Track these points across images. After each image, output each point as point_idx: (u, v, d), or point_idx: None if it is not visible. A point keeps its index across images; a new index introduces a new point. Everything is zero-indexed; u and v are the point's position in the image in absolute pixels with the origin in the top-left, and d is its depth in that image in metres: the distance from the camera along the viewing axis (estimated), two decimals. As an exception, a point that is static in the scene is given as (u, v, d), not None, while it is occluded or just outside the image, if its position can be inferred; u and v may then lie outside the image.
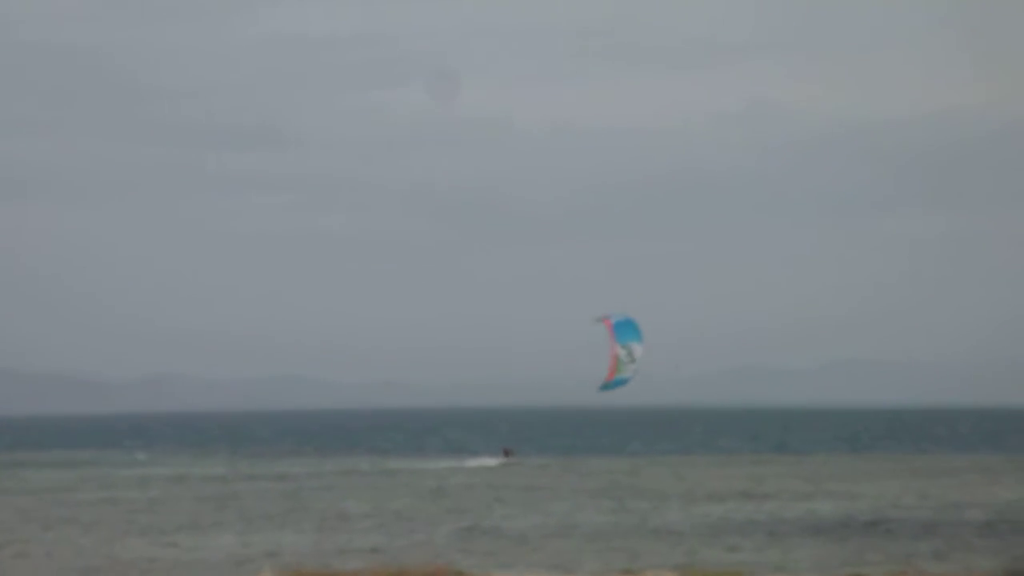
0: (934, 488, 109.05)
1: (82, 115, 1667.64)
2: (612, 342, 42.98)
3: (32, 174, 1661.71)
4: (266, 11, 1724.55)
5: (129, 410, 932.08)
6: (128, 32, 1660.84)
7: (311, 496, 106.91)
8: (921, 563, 59.42)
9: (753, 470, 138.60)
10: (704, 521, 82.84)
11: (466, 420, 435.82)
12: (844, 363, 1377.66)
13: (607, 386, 42.85)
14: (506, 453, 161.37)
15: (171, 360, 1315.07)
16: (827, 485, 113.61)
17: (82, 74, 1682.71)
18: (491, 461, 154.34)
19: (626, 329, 42.69)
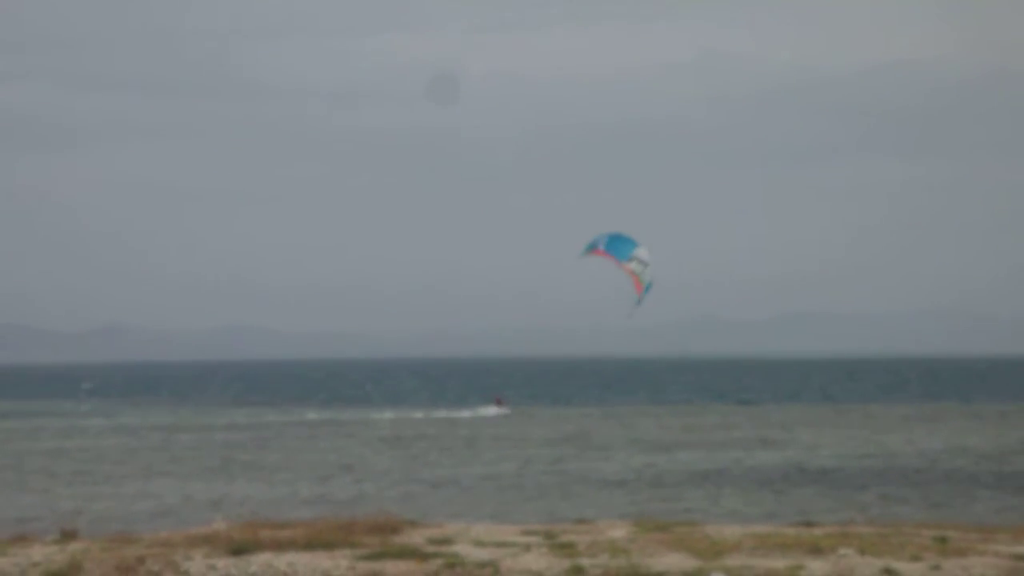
0: (879, 437, 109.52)
1: None
2: (618, 263, 41.38)
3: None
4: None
5: (81, 360, 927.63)
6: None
7: (260, 446, 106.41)
8: (868, 511, 59.47)
9: (702, 420, 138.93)
10: (652, 471, 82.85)
11: (420, 371, 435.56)
12: (798, 315, 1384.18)
13: (640, 301, 41.57)
14: (498, 402, 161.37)
15: (124, 311, 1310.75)
16: (775, 434, 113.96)
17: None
18: (486, 411, 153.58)
19: (619, 244, 41.19)
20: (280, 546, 32.77)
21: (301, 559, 31.97)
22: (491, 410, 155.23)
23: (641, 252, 41.87)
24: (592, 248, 41.99)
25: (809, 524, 38.59)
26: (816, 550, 32.72)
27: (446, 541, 33.72)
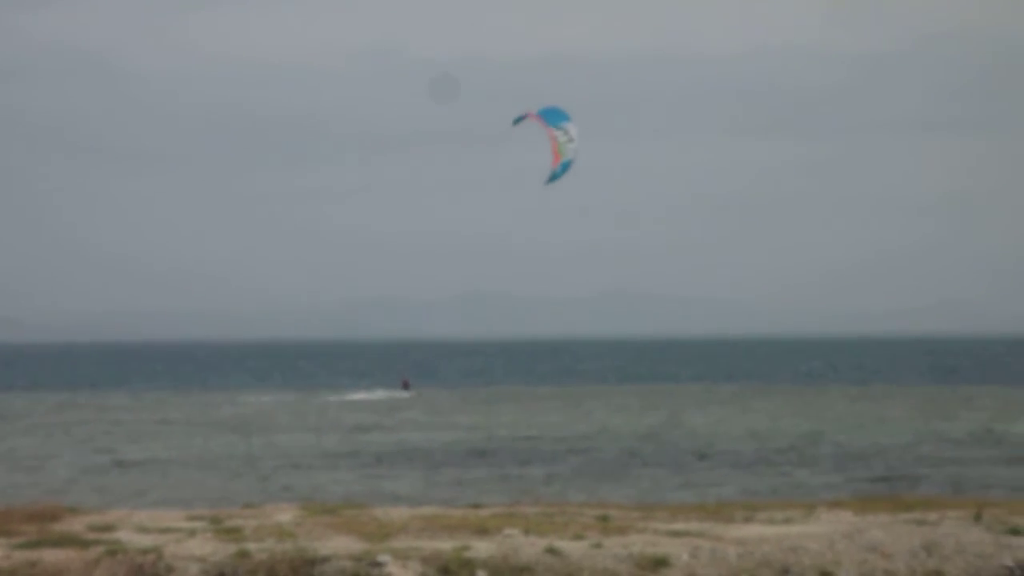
0: (554, 416, 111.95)
1: None
2: (545, 127, 38.24)
3: None
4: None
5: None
6: None
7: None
8: (535, 491, 60.58)
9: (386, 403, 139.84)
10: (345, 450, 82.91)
11: (154, 354, 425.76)
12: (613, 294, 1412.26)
13: (555, 175, 37.78)
14: (405, 385, 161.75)
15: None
16: (459, 417, 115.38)
17: None
18: (396, 394, 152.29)
19: (554, 113, 38.47)
20: (-71, 537, 31.69)
21: (-47, 549, 30.98)
22: (401, 392, 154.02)
23: (571, 128, 39.19)
24: (528, 112, 39.21)
25: (477, 506, 39.15)
26: (482, 531, 33.20)
27: (108, 528, 33.18)
